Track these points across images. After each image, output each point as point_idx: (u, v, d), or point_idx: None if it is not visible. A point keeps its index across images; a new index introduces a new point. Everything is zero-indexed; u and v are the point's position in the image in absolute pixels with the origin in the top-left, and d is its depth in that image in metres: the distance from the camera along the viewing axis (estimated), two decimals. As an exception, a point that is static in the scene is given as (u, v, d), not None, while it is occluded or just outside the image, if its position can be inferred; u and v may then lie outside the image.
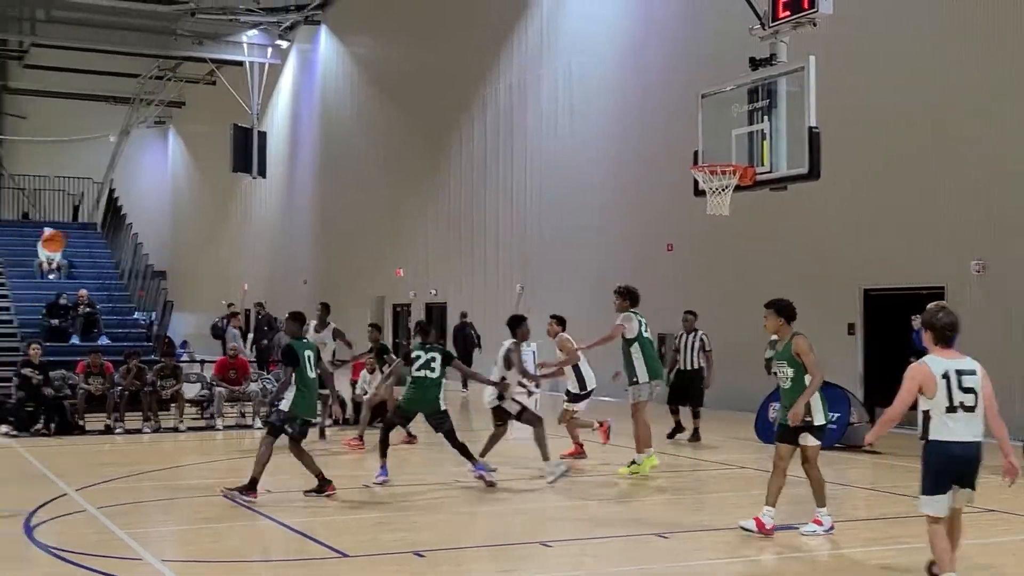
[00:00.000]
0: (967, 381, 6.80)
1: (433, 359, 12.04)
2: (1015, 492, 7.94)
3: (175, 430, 17.43)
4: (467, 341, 26.54)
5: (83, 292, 23.62)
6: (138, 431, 17.22)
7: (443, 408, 11.99)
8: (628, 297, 12.54)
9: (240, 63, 35.18)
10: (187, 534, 9.62)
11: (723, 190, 12.27)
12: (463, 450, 11.86)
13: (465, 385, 26.09)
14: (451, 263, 30.34)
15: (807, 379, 8.86)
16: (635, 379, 12.39)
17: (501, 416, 12.40)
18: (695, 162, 12.80)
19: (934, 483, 6.81)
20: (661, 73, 22.87)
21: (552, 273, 26.14)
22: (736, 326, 18.57)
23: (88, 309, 23.13)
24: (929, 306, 7.15)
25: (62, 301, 23.22)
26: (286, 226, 41.01)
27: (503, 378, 12.23)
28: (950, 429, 6.74)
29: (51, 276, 26.23)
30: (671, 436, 15.80)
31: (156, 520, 10.29)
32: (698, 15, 21.88)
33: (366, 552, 8.62)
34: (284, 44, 37.04)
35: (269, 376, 19.78)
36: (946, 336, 6.89)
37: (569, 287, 25.03)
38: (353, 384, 17.97)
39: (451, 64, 30.43)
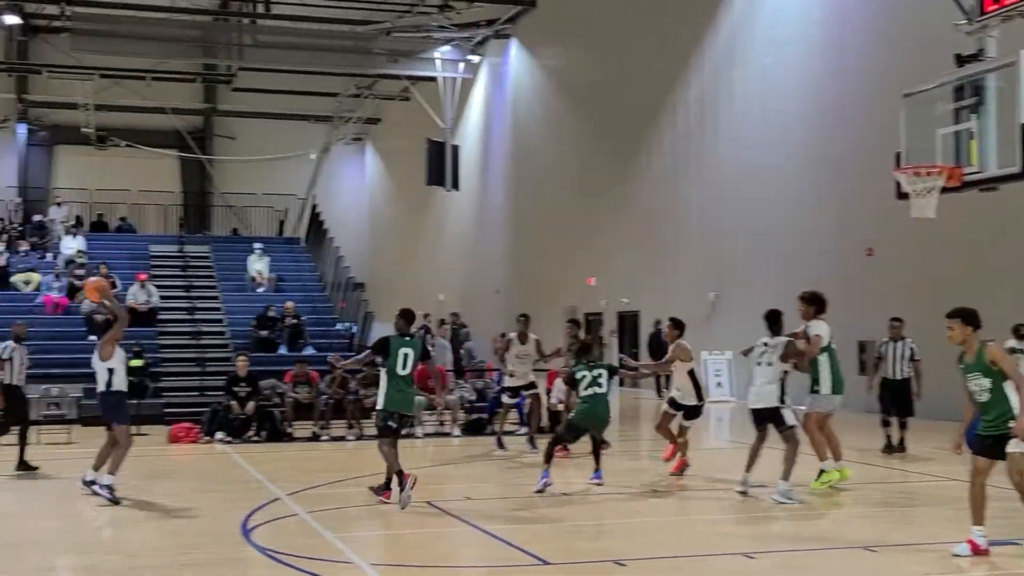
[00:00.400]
0: None
1: (599, 375, 12.15)
2: None
3: (377, 437, 17.90)
4: (662, 349, 26.31)
5: (289, 304, 24.55)
6: (342, 438, 17.81)
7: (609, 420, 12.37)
8: (815, 303, 11.92)
9: (433, 79, 35.95)
10: (392, 539, 9.89)
11: (928, 192, 11.84)
12: (598, 452, 12.21)
13: (660, 392, 25.92)
14: (643, 271, 30.22)
15: (1006, 386, 8.41)
16: (816, 388, 11.93)
17: (765, 420, 11.43)
18: (898, 164, 12.39)
19: None
20: (859, 72, 22.22)
21: (746, 281, 25.70)
22: (944, 333, 17.75)
23: (294, 320, 24.03)
24: None
25: (270, 313, 24.22)
26: (479, 237, 41.68)
27: (784, 374, 11.34)
28: None
29: (260, 289, 27.40)
30: (886, 452, 15.16)
31: (362, 525, 10.61)
32: (898, 12, 21.18)
33: (567, 559, 8.67)
34: (475, 59, 37.67)
35: (466, 384, 20.12)
36: None
37: (763, 295, 24.50)
38: (547, 393, 18.11)
39: (641, 71, 30.35)
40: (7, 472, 14.05)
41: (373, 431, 17.78)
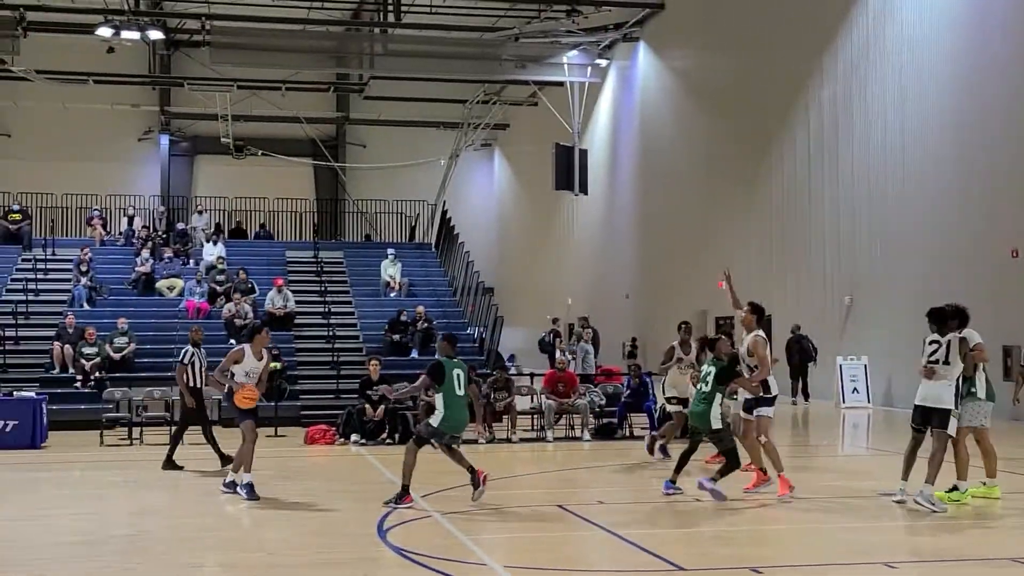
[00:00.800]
0: None
1: (708, 373, 11.69)
2: None
3: (508, 441, 18.00)
4: (803, 354, 25.91)
5: (421, 308, 24.86)
6: (474, 441, 17.85)
7: (716, 427, 11.62)
8: (958, 316, 11.06)
9: (561, 83, 35.98)
10: (524, 542, 9.90)
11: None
12: (729, 464, 11.41)
13: (807, 396, 25.43)
14: (775, 274, 29.70)
15: None
16: (973, 391, 11.27)
17: (929, 421, 10.83)
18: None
19: None
20: (1000, 70, 21.47)
21: (882, 283, 25.05)
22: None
23: (425, 325, 24.32)
24: None
25: (403, 318, 24.55)
26: (607, 241, 41.55)
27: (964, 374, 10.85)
28: None
29: (392, 294, 27.83)
30: None
31: (495, 527, 10.65)
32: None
33: (701, 566, 8.56)
34: (603, 63, 37.59)
35: (596, 389, 20.06)
36: None
37: (901, 298, 23.91)
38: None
39: (772, 72, 29.86)
40: (156, 471, 14.56)
41: (503, 435, 18.09)
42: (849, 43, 26.60)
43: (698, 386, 12.02)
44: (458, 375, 11.47)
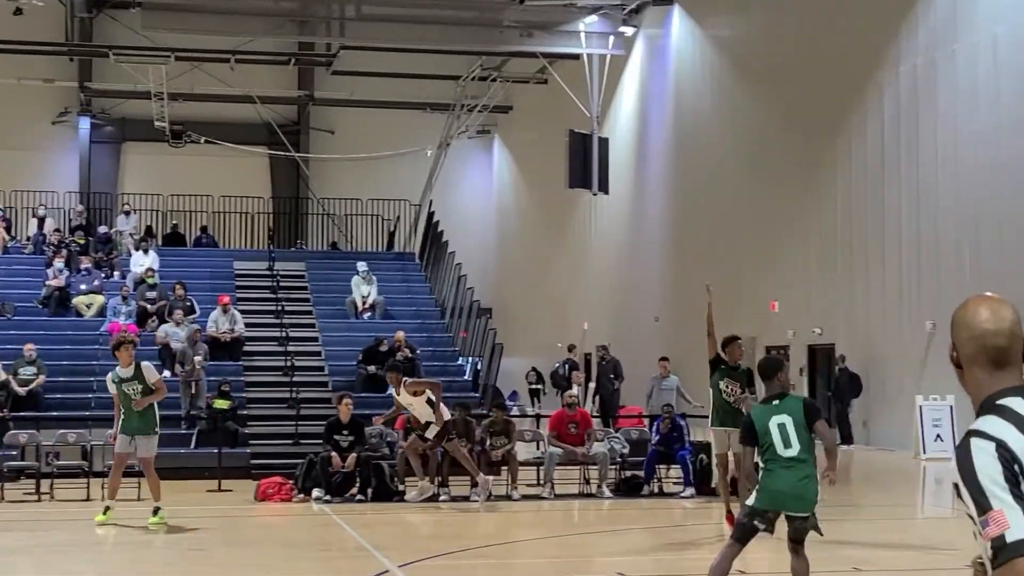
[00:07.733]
0: None
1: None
2: None
3: (508, 498, 18.00)
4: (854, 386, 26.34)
5: (400, 334, 24.77)
6: (465, 498, 17.93)
7: None
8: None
9: (577, 56, 36.10)
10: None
11: None
12: None
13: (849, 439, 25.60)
14: (839, 294, 29.81)
15: None
16: None
17: None
18: None
19: None
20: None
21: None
22: None
23: (407, 354, 24.25)
24: None
25: (381, 347, 24.35)
26: (633, 252, 41.60)
27: None
28: None
29: (365, 316, 27.77)
30: None
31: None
32: None
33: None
34: (629, 31, 37.66)
35: (618, 435, 20.06)
36: None
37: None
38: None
39: (837, 46, 30.01)
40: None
41: (502, 489, 18.17)
42: (932, 7, 26.78)
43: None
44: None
